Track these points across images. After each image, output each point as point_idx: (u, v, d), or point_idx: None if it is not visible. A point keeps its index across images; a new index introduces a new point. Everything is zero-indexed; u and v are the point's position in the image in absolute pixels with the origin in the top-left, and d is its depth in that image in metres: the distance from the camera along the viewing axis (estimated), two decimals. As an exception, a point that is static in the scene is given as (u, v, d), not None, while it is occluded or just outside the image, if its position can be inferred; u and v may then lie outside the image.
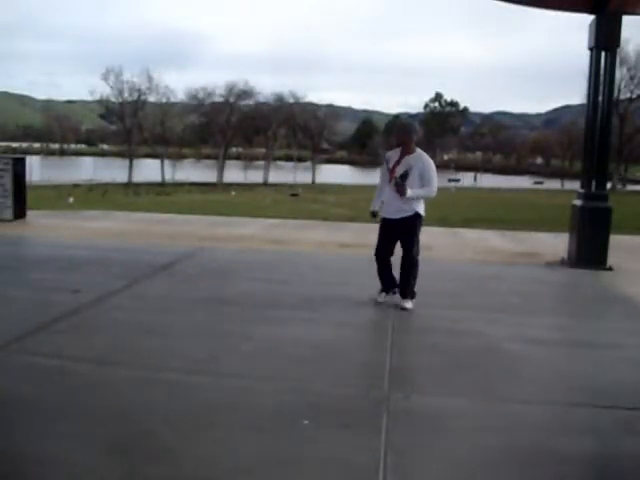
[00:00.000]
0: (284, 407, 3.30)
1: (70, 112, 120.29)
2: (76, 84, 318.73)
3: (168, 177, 64.41)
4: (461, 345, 4.47)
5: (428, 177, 5.10)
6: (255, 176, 67.02)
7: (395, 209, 5.19)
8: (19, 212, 10.68)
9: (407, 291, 5.33)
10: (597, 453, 3.00)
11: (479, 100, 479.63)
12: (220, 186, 57.47)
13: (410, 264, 5.25)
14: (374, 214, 5.53)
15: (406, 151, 5.17)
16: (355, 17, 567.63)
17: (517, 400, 3.53)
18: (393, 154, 5.26)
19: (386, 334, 4.62)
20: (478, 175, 78.08)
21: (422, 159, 5.16)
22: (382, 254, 5.35)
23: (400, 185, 5.06)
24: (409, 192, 5.03)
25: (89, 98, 71.92)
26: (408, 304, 5.28)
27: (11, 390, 3.41)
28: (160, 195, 41.27)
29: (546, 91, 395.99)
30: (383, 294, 5.48)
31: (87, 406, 3.23)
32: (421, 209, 5.23)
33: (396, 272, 5.41)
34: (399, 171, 5.11)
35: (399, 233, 5.25)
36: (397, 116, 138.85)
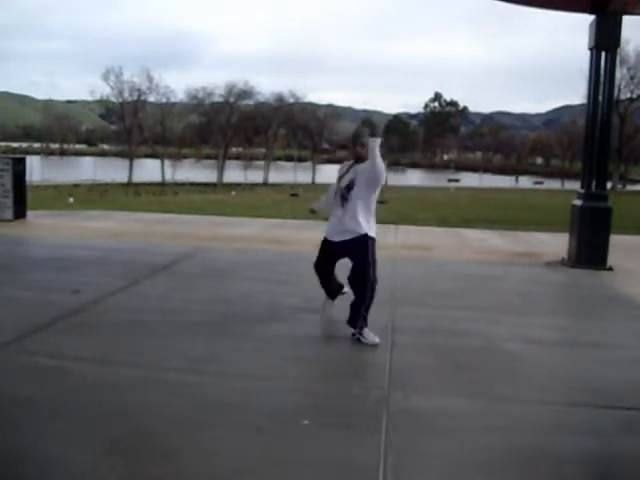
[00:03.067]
0: (284, 407, 3.30)
1: (70, 112, 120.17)
2: (76, 84, 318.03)
3: (168, 177, 64.27)
4: (461, 345, 4.47)
5: (372, 166, 4.30)
6: (255, 176, 66.91)
7: (339, 230, 4.52)
8: (19, 212, 10.70)
9: (356, 319, 4.48)
10: (597, 453, 3.00)
11: (479, 100, 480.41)
12: (220, 186, 57.41)
13: (363, 286, 4.41)
14: (312, 211, 4.94)
15: (357, 163, 4.52)
16: (355, 17, 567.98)
17: (517, 400, 3.53)
18: (345, 165, 4.70)
19: (386, 334, 4.61)
20: (480, 175, 77.37)
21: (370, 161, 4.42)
22: (322, 271, 4.83)
23: (344, 197, 4.49)
24: (361, 221, 4.42)
25: (89, 98, 71.90)
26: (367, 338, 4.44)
27: (11, 390, 3.41)
28: (160, 195, 41.24)
29: (546, 91, 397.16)
30: (330, 301, 5.03)
31: (87, 406, 3.23)
32: (371, 230, 4.48)
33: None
34: (345, 181, 4.54)
35: (341, 256, 4.61)
36: (397, 116, 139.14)
